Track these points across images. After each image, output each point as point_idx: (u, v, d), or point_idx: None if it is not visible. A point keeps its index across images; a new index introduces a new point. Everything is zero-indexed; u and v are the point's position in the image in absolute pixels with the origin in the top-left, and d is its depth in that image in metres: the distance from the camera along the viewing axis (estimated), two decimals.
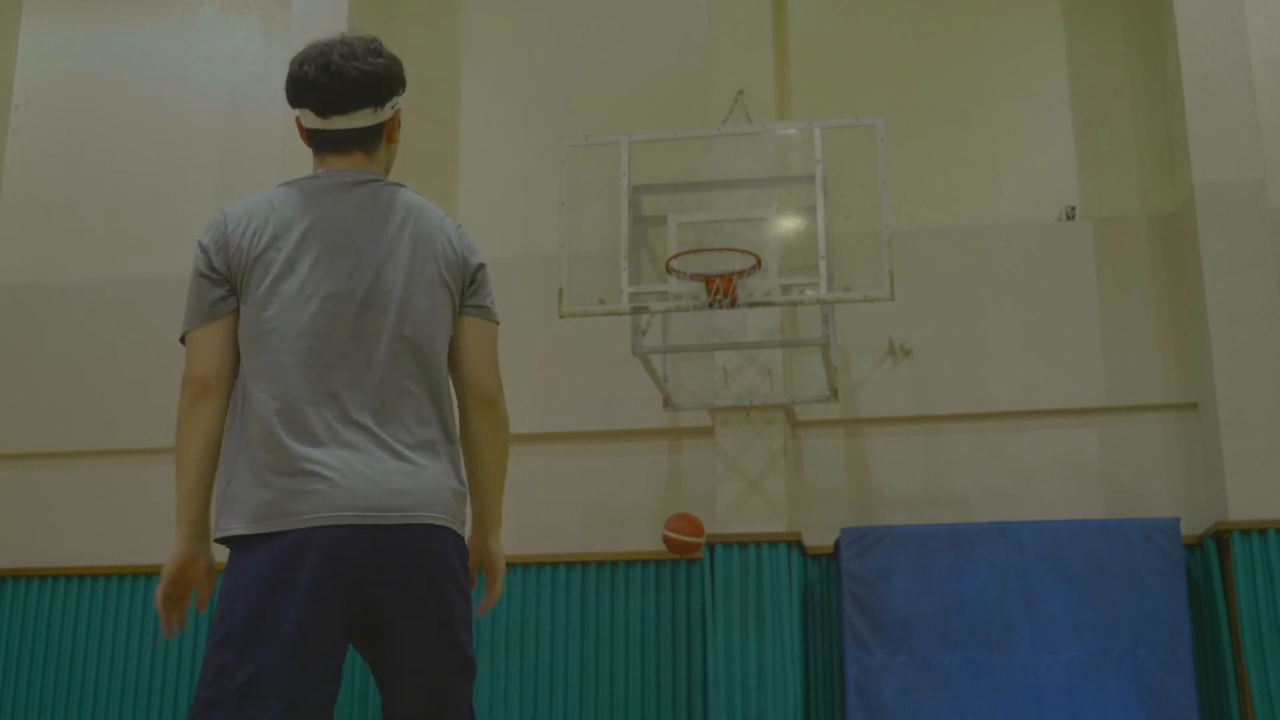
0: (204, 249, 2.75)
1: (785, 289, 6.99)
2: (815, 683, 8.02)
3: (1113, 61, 8.82)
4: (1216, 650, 7.64)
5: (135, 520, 8.94)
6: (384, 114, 2.88)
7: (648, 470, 8.60)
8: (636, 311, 7.06)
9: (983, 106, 8.88)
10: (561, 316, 7.05)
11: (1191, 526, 7.93)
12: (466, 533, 2.85)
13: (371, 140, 2.88)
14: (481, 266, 2.89)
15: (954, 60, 8.97)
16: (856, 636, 7.64)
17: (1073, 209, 8.61)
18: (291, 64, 2.84)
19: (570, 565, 8.39)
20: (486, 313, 2.88)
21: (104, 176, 9.69)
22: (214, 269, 2.72)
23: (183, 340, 2.77)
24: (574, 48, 9.41)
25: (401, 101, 2.93)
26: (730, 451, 8.10)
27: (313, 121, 2.83)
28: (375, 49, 2.86)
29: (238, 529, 2.67)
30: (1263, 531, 7.50)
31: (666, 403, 8.20)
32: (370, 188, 2.82)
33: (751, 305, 6.86)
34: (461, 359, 2.85)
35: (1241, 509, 7.56)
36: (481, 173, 9.30)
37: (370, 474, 2.63)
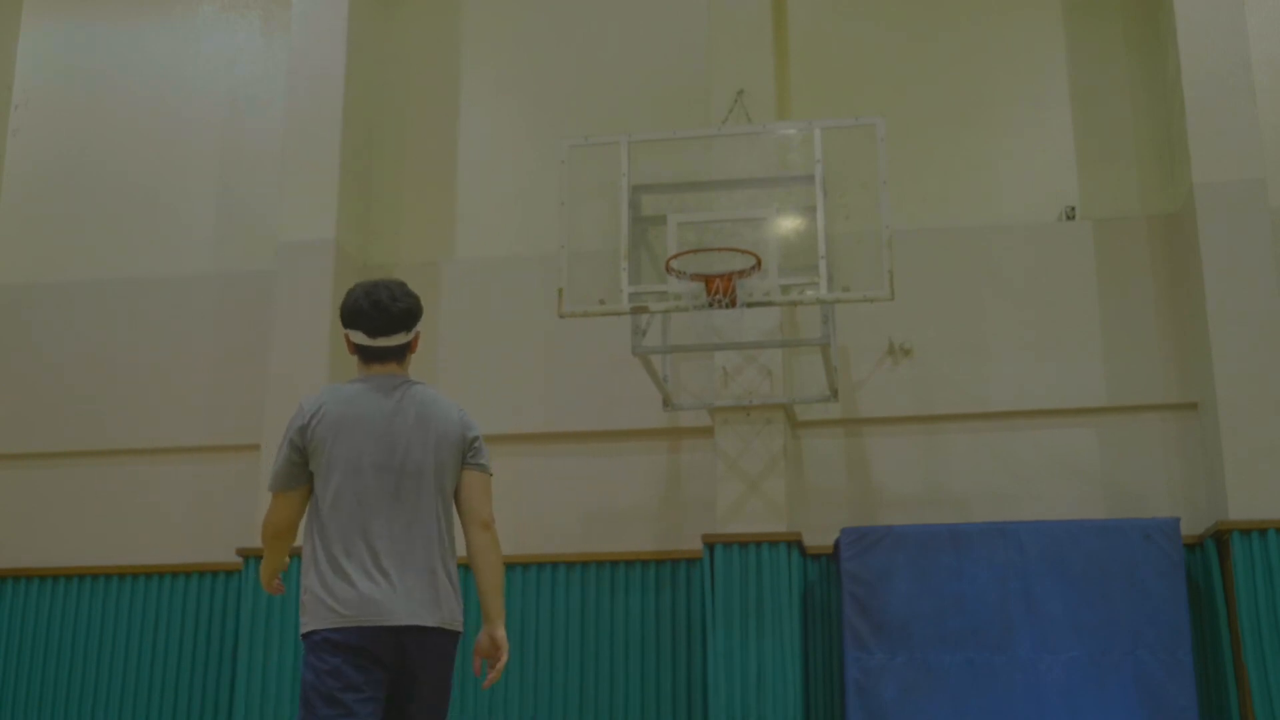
0: (291, 430, 3.88)
1: (785, 289, 6.98)
2: (815, 683, 8.02)
3: (1113, 61, 8.81)
4: (1216, 650, 7.63)
5: (134, 520, 8.95)
6: (411, 335, 4.03)
7: (648, 470, 8.60)
8: (636, 311, 7.05)
9: (983, 106, 8.88)
10: (561, 316, 7.05)
11: (1191, 526, 7.93)
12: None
13: (402, 353, 4.03)
14: (476, 437, 4.03)
15: (954, 60, 8.97)
16: (856, 637, 7.63)
17: (1073, 209, 8.61)
18: (347, 299, 4.00)
19: (570, 565, 8.39)
20: (482, 468, 4.02)
21: (104, 176, 9.69)
22: (297, 447, 3.87)
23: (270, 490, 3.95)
24: (574, 48, 9.41)
25: (419, 326, 4.05)
26: (730, 451, 8.10)
27: (362, 340, 3.98)
28: (406, 291, 4.02)
29: (310, 628, 3.78)
30: (1263, 531, 7.50)
31: (666, 403, 8.20)
32: (401, 389, 3.98)
33: (751, 305, 6.85)
34: (466, 499, 3.98)
35: (1241, 509, 7.56)
36: (481, 173, 9.29)
37: (395, 591, 3.75)
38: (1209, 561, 7.74)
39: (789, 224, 7.16)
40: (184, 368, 9.16)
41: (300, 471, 3.89)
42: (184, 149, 9.63)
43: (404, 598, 3.74)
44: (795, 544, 7.94)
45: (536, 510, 8.41)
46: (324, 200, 8.76)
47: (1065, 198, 8.64)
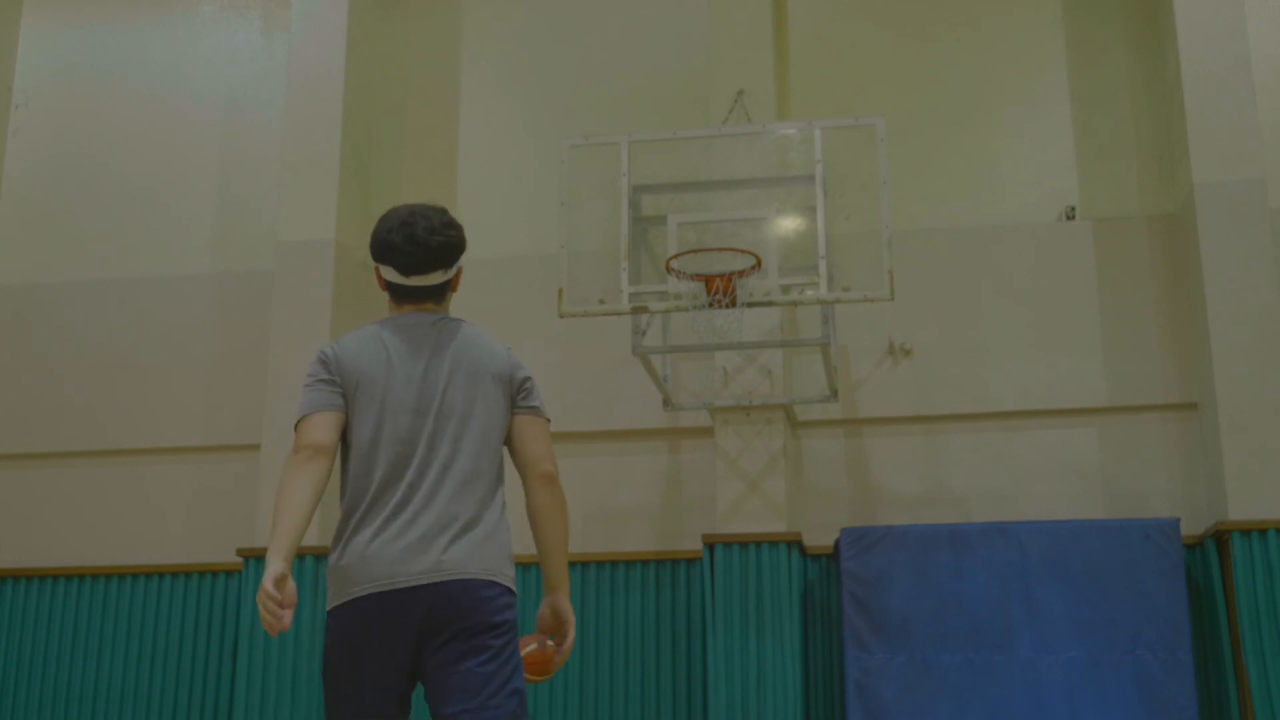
0: (320, 364, 3.41)
1: (785, 289, 6.98)
2: (815, 683, 8.02)
3: (1113, 61, 8.81)
4: (1216, 650, 7.63)
5: (133, 520, 8.95)
6: (451, 273, 3.53)
7: (648, 470, 8.60)
8: (636, 311, 7.05)
9: (983, 106, 8.88)
10: (561, 316, 7.05)
11: (1191, 526, 7.93)
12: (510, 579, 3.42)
13: (441, 292, 3.55)
14: (528, 378, 3.56)
15: (954, 60, 8.97)
16: (856, 636, 7.63)
17: (1073, 209, 8.61)
18: (378, 229, 3.49)
19: (570, 565, 8.37)
20: (537, 411, 3.54)
21: (103, 176, 9.69)
22: (330, 374, 3.39)
23: (295, 428, 3.38)
24: (574, 48, 9.41)
25: (462, 260, 3.54)
26: (730, 451, 8.10)
27: (394, 277, 3.49)
28: (448, 221, 3.50)
29: (330, 604, 3.34)
30: (1263, 531, 7.49)
31: (666, 403, 8.20)
32: (438, 325, 3.49)
33: (751, 305, 6.85)
34: (523, 449, 3.49)
35: (1241, 509, 7.56)
36: (481, 173, 9.29)
37: (422, 548, 3.25)
38: (1209, 561, 7.73)
39: (789, 224, 7.16)
40: (184, 368, 9.16)
41: (335, 391, 3.37)
42: (183, 149, 9.63)
43: (436, 552, 3.24)
44: (795, 544, 7.94)
45: None
46: (324, 200, 8.76)
47: (1065, 198, 8.64)
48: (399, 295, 3.52)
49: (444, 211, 3.51)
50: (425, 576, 3.22)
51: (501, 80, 9.50)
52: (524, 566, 8.24)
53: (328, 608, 3.34)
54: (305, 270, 8.62)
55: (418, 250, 3.43)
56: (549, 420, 3.58)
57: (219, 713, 8.48)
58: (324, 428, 3.33)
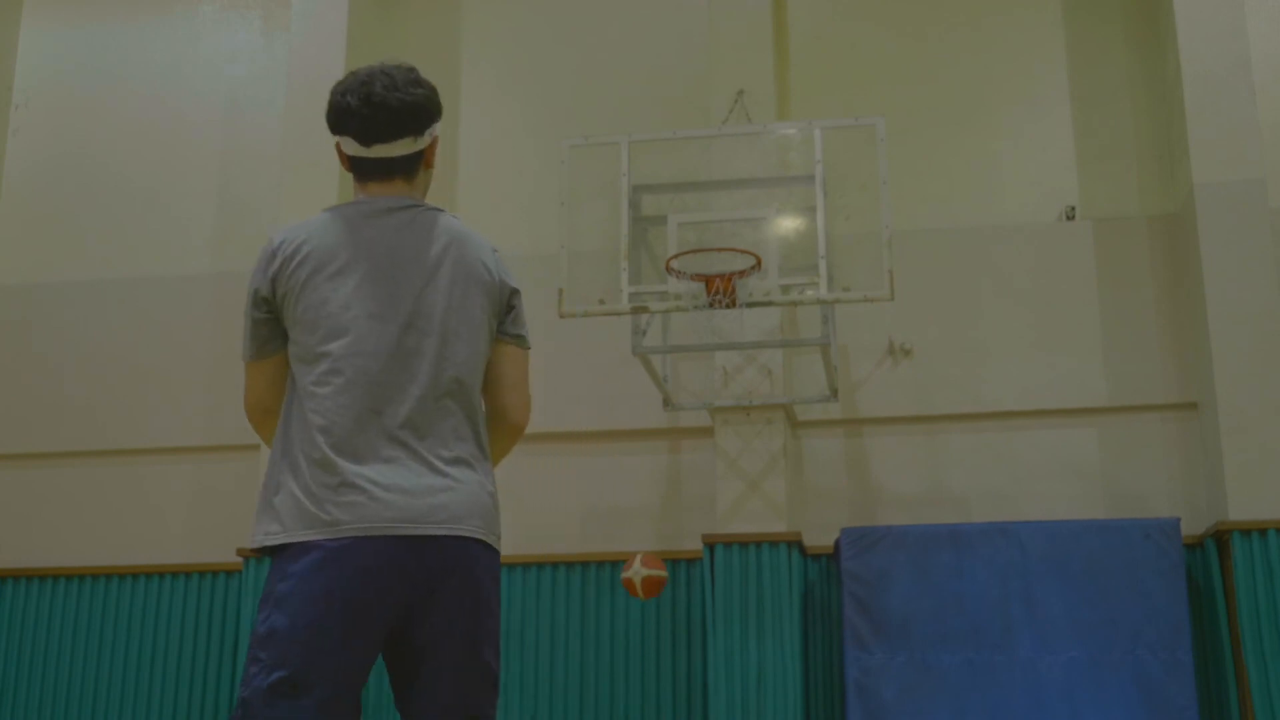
0: (255, 274, 2.88)
1: (785, 289, 6.98)
2: (815, 683, 8.02)
3: (1113, 61, 8.82)
4: (1216, 650, 7.63)
5: (133, 520, 8.95)
6: (423, 141, 2.96)
7: (648, 470, 8.60)
8: (636, 311, 7.05)
9: (983, 106, 8.88)
10: (561, 316, 7.05)
11: (1191, 526, 7.93)
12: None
13: (412, 166, 2.97)
14: (516, 293, 3.00)
15: (954, 60, 8.97)
16: (856, 636, 7.63)
17: (1073, 209, 8.61)
18: (333, 93, 2.93)
19: (570, 565, 8.38)
20: (520, 341, 3.00)
21: (103, 177, 9.69)
22: (264, 301, 2.86)
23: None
24: (574, 48, 9.41)
25: (438, 129, 3.00)
26: (730, 451, 8.10)
27: (355, 149, 2.93)
28: (414, 79, 2.93)
29: (280, 537, 2.74)
30: (1263, 531, 7.50)
31: (666, 403, 8.20)
32: (410, 213, 2.93)
33: (751, 305, 6.85)
34: (496, 384, 2.97)
35: (1241, 509, 7.56)
36: (481, 173, 9.29)
37: (408, 488, 2.73)
38: (1209, 561, 7.74)
39: (789, 224, 7.17)
40: (184, 368, 9.16)
41: (270, 330, 2.86)
42: (184, 149, 9.62)
43: (422, 495, 2.73)
44: (795, 544, 7.94)
45: (536, 510, 8.40)
46: (324, 200, 8.63)
47: (1065, 198, 8.64)
48: (363, 171, 2.95)
49: (411, 69, 2.95)
50: (429, 525, 2.72)
51: (501, 80, 9.50)
52: (524, 567, 8.28)
53: (278, 540, 2.73)
54: None
55: (377, 112, 2.87)
56: (529, 350, 3.06)
57: (219, 713, 8.48)
58: (264, 384, 2.90)
